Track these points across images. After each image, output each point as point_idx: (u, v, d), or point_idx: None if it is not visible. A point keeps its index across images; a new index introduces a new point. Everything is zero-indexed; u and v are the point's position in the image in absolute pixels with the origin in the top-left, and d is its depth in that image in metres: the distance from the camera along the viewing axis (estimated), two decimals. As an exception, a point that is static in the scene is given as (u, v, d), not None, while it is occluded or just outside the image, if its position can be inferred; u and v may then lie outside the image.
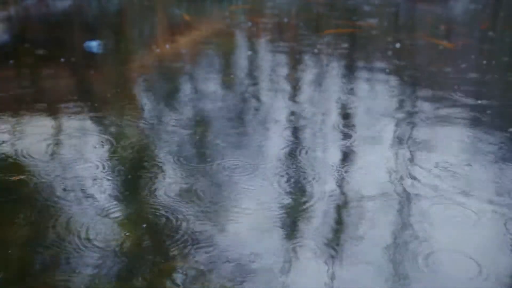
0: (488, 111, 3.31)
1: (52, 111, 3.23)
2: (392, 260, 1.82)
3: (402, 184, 2.32)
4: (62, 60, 4.49)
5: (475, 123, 3.13)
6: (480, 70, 4.36)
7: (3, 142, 2.70)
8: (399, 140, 2.83)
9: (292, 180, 2.34)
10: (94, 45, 5.00)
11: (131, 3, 8.14)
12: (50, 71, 4.25)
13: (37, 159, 2.48)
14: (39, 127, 2.95)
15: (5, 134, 2.82)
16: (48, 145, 2.66)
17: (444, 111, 3.30)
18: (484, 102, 3.49)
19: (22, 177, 2.25)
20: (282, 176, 2.37)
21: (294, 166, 2.47)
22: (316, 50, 5.03)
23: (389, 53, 5.09)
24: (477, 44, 5.52)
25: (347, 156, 2.64)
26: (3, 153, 2.56)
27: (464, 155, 2.66)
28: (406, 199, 2.20)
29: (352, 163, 2.55)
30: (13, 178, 2.23)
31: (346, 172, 2.43)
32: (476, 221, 2.05)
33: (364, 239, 1.92)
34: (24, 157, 2.50)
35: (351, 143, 2.77)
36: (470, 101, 3.50)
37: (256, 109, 3.38)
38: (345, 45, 5.45)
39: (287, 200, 2.16)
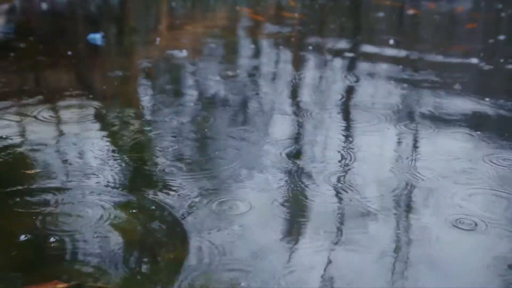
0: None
1: (55, 103, 3.29)
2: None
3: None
4: (65, 52, 4.54)
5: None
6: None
7: (8, 135, 2.77)
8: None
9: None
10: (97, 37, 5.06)
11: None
12: (53, 63, 4.32)
13: (43, 151, 2.57)
14: (41, 119, 3.03)
15: (10, 126, 2.90)
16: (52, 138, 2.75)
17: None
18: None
19: (37, 170, 2.32)
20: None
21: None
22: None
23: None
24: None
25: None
26: (11, 146, 2.63)
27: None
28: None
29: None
30: (28, 172, 2.30)
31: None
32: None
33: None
34: (32, 149, 2.57)
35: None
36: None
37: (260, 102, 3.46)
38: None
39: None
